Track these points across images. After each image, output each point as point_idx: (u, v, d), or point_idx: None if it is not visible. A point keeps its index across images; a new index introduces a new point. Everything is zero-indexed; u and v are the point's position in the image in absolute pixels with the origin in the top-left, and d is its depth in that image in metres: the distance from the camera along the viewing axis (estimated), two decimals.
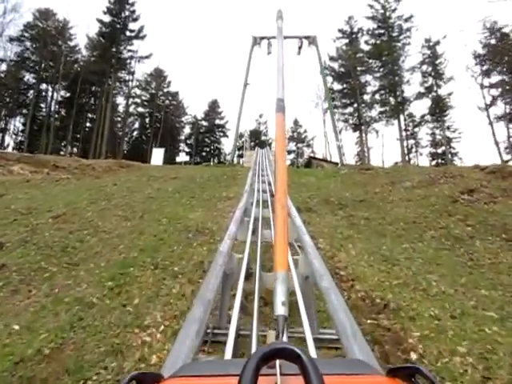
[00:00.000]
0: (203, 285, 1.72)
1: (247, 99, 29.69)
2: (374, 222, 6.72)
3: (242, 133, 23.15)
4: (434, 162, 41.58)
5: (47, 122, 33.74)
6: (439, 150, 42.10)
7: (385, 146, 41.72)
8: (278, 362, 0.54)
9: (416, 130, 42.51)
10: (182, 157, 20.33)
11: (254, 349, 1.53)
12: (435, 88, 40.07)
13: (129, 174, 14.21)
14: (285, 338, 1.10)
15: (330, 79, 43.95)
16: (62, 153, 35.77)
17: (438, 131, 41.56)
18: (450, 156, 40.65)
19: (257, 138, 51.71)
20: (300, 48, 22.78)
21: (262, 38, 20.44)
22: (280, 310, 0.92)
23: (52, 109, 36.20)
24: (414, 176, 10.35)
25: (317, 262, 2.16)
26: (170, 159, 24.83)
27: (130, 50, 35.96)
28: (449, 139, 40.73)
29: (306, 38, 20.52)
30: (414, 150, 43.17)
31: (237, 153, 39.21)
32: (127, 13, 34.27)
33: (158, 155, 21.75)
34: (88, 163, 16.25)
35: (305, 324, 1.83)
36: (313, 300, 2.69)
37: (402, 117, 40.94)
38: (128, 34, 35.08)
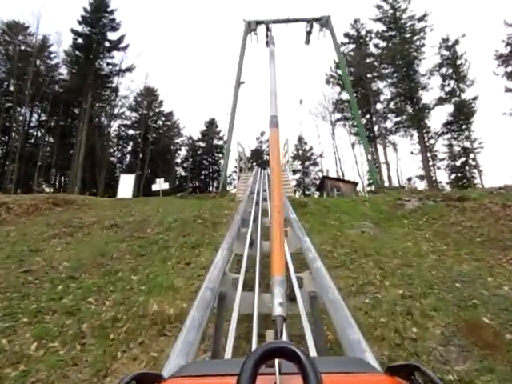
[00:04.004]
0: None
1: (243, 103, 24.77)
2: None
3: (240, 150, 17.78)
4: (453, 176, 36.29)
5: (12, 149, 28.77)
6: (458, 163, 36.90)
7: (400, 160, 36.08)
8: (276, 361, 0.54)
9: (432, 141, 37.51)
10: (160, 184, 14.44)
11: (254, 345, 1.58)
12: (458, 92, 35.27)
13: (48, 218, 8.71)
14: (284, 338, 1.04)
15: (338, 89, 39.28)
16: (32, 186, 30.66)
17: (455, 142, 36.63)
18: (473, 169, 35.44)
19: (258, 158, 46.30)
20: (309, 34, 16.09)
21: (259, 23, 15.36)
22: (278, 310, 0.87)
23: (27, 134, 31.58)
24: None
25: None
26: (148, 188, 19.55)
27: (109, 64, 31.40)
28: (469, 150, 35.54)
29: (317, 20, 15.42)
30: (430, 163, 37.91)
31: (236, 175, 33.67)
32: (105, 21, 29.92)
33: (126, 183, 16.15)
34: (4, 201, 10.79)
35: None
36: None
37: (421, 126, 35.96)
38: (107, 44, 30.62)
